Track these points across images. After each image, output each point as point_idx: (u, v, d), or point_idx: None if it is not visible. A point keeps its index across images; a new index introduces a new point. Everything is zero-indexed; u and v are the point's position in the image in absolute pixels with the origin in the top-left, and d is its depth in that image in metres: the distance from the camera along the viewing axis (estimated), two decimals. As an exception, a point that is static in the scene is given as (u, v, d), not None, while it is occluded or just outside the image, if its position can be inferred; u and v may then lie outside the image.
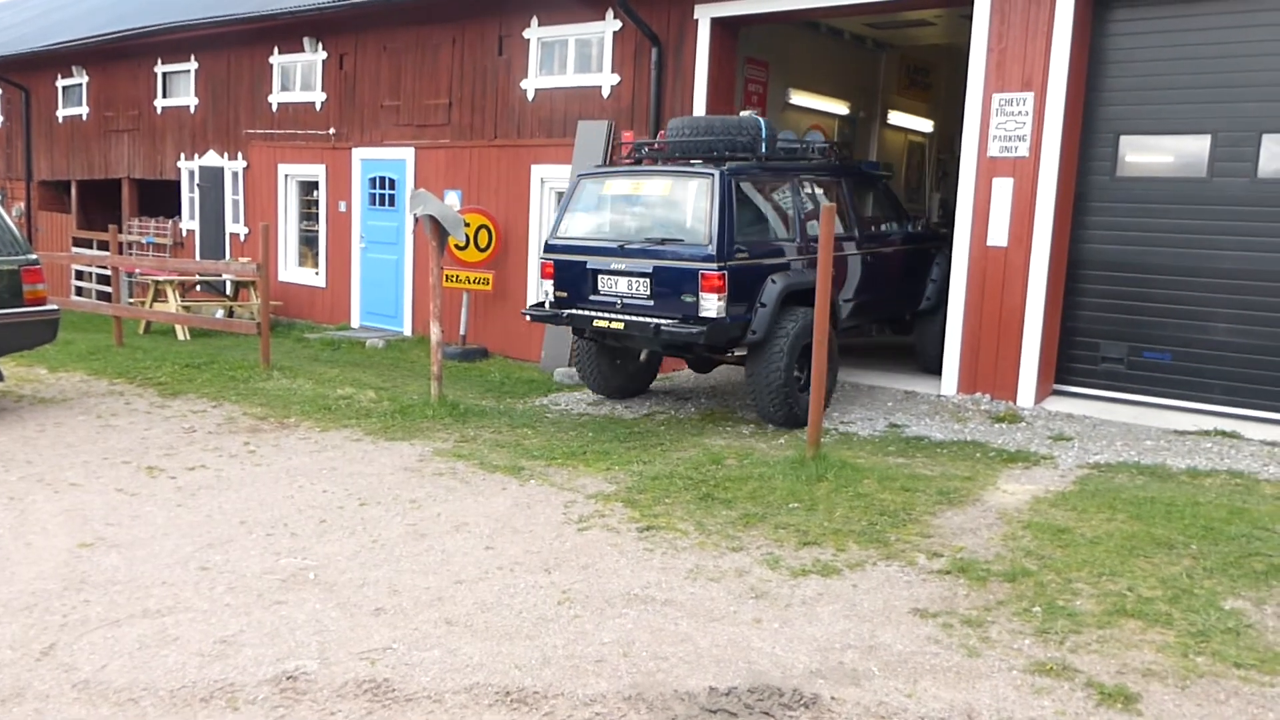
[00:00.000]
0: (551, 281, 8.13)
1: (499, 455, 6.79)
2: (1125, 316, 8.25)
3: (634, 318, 7.61)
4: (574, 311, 7.97)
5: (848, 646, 3.93)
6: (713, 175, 7.47)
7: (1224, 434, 7.29)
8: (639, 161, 8.38)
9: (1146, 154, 8.21)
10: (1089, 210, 8.36)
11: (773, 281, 7.57)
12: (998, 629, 4.06)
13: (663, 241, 7.60)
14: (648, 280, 7.60)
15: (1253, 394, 7.69)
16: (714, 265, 7.24)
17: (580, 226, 8.19)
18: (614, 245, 7.86)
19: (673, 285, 7.47)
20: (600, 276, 7.87)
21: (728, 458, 6.58)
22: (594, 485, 6.10)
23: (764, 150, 8.05)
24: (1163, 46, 7.98)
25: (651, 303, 7.60)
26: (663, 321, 7.43)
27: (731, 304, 7.31)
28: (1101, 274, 8.34)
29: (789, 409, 7.57)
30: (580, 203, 8.24)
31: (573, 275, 8.02)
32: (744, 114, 8.26)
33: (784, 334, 7.50)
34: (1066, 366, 8.52)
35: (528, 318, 8.51)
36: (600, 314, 7.78)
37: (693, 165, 7.78)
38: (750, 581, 4.58)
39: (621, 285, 7.74)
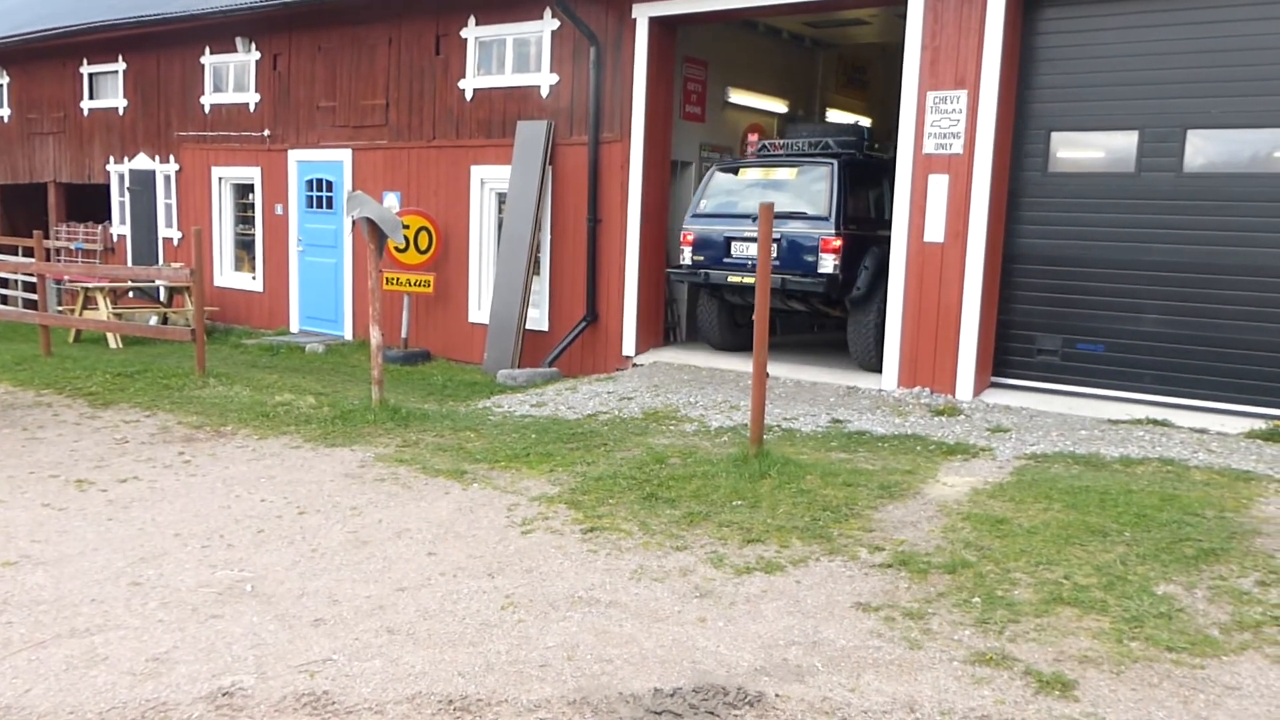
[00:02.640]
0: (690, 248, 9.98)
1: (441, 459, 6.72)
2: (1059, 309, 8.42)
3: None
4: (711, 270, 9.78)
5: (792, 643, 3.94)
6: (832, 164, 9.36)
7: (1155, 422, 7.47)
8: (759, 154, 10.33)
9: (1077, 150, 8.38)
10: (1022, 205, 8.51)
11: (873, 252, 9.32)
12: (938, 620, 4.11)
13: (790, 214, 9.35)
14: (776, 244, 9.29)
15: (1182, 383, 7.90)
16: (832, 232, 9.15)
17: (717, 204, 10.05)
18: (748, 217, 9.60)
19: (797, 248, 9.32)
20: (734, 243, 9.72)
21: (671, 457, 6.57)
22: (537, 487, 6.05)
23: (864, 151, 9.78)
24: (1091, 44, 8.15)
25: (779, 262, 9.27)
26: (788, 276, 9.22)
27: (843, 265, 9.10)
28: (1036, 268, 8.51)
29: (881, 356, 9.06)
30: (716, 186, 10.15)
31: (710, 243, 9.86)
32: (850, 122, 9.07)
33: (880, 294, 9.15)
34: (1003, 359, 8.67)
35: (671, 276, 10.43)
36: (734, 272, 9.62)
37: (814, 157, 9.60)
38: (695, 580, 4.58)
39: (753, 249, 9.47)
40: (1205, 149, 7.81)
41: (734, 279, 9.61)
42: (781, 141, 10.29)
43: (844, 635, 4.00)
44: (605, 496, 5.79)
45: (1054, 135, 8.40)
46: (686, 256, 10.00)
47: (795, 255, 9.32)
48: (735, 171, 10.19)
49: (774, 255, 9.23)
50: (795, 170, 9.67)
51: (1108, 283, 8.17)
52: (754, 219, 9.20)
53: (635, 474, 6.17)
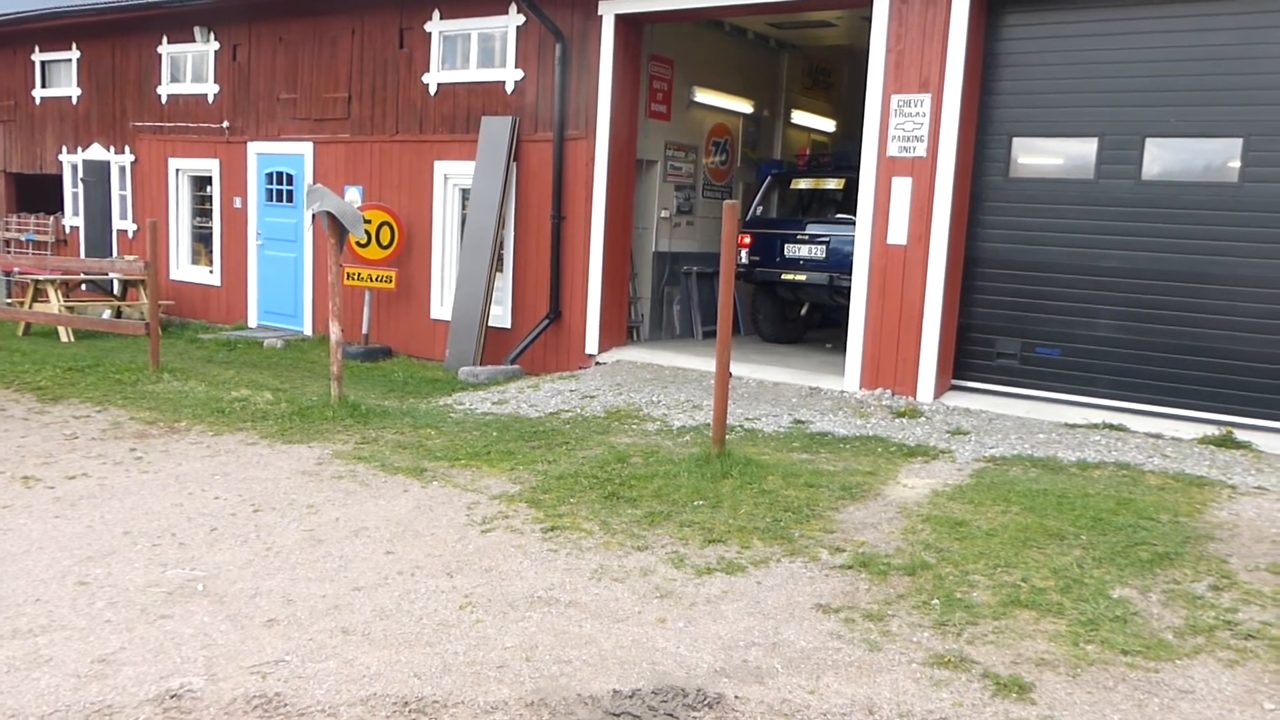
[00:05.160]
0: (747, 250, 10.86)
1: (401, 456, 6.64)
2: (1019, 313, 8.50)
3: (813, 273, 10.54)
4: (765, 270, 10.83)
5: (752, 644, 3.93)
6: None
7: (1111, 427, 7.56)
8: (809, 166, 11.75)
9: (1038, 156, 8.46)
10: (984, 210, 8.58)
11: None
12: (898, 622, 4.11)
13: (838, 220, 10.58)
14: (825, 246, 10.53)
15: (1138, 388, 8.00)
16: None
17: (770, 210, 11.37)
18: (800, 221, 10.99)
19: (844, 249, 10.06)
20: (786, 245, 10.74)
21: (633, 456, 6.54)
22: (498, 486, 6.00)
23: None
24: (1053, 51, 8.23)
25: (828, 262, 10.45)
26: (835, 274, 10.25)
27: None
28: (996, 272, 8.57)
29: None
30: (770, 193, 11.42)
31: (764, 245, 10.87)
32: None
33: None
34: (964, 362, 8.73)
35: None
36: (786, 271, 10.70)
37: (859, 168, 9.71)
38: (655, 581, 4.55)
39: (803, 250, 10.66)
40: (1163, 157, 7.91)
41: (787, 276, 10.72)
42: (827, 154, 11.82)
43: (804, 637, 3.99)
44: (566, 495, 5.75)
45: (1015, 140, 8.47)
46: (743, 257, 10.79)
47: (842, 256, 10.18)
48: (788, 181, 11.45)
49: (824, 256, 10.57)
50: (843, 180, 10.70)
51: (1066, 288, 8.25)
52: (805, 224, 10.84)
53: (597, 473, 6.13)
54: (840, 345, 10.68)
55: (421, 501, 5.70)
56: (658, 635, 4.00)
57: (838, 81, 14.34)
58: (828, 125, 14.24)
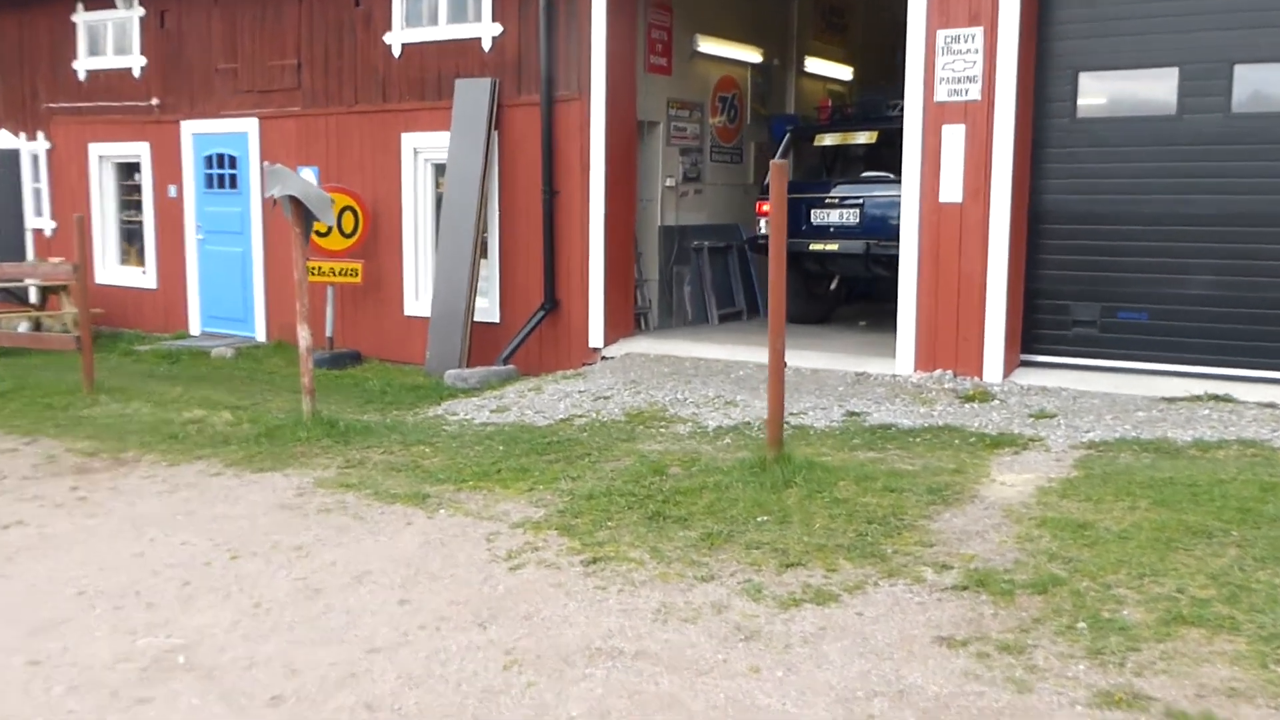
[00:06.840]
0: (766, 217, 9.87)
1: (396, 481, 6.23)
2: (1095, 274, 8.17)
3: (846, 241, 10.10)
4: (788, 240, 10.21)
5: (873, 694, 3.54)
6: None
7: (1216, 398, 7.24)
8: (833, 120, 11.24)
9: (1108, 93, 8.16)
10: (1048, 157, 8.25)
11: None
12: (1043, 654, 3.74)
13: (873, 179, 10.12)
14: (858, 209, 10.07)
15: (1240, 351, 7.68)
16: None
17: (792, 171, 10.78)
18: (826, 183, 10.70)
19: (881, 211, 9.76)
20: (813, 210, 10.30)
21: (670, 465, 6.17)
22: (518, 511, 5.60)
23: None
24: (1120, -29, 7.89)
25: (860, 229, 10.04)
26: (872, 241, 9.79)
27: None
28: (1066, 228, 8.25)
29: None
30: (789, 152, 10.90)
31: (787, 211, 9.70)
32: None
33: None
34: (1034, 334, 8.40)
35: (752, 247, 11.53)
36: (814, 240, 10.26)
37: (894, 119, 9.23)
38: (733, 619, 4.16)
39: (834, 216, 10.24)
40: (1256, 86, 7.59)
41: (815, 246, 10.27)
42: (851, 105, 11.64)
43: (933, 680, 3.61)
44: (602, 518, 5.36)
45: (1081, 76, 8.12)
46: (762, 226, 10.24)
47: (880, 220, 9.72)
48: (810, 138, 11.09)
49: (858, 221, 10.09)
50: (875, 133, 10.21)
51: (1149, 241, 7.92)
52: (833, 185, 10.56)
53: (632, 489, 5.75)
54: (875, 322, 10.35)
55: (430, 535, 5.29)
56: (755, 689, 3.60)
57: (853, 23, 13.97)
58: (845, 73, 13.88)
